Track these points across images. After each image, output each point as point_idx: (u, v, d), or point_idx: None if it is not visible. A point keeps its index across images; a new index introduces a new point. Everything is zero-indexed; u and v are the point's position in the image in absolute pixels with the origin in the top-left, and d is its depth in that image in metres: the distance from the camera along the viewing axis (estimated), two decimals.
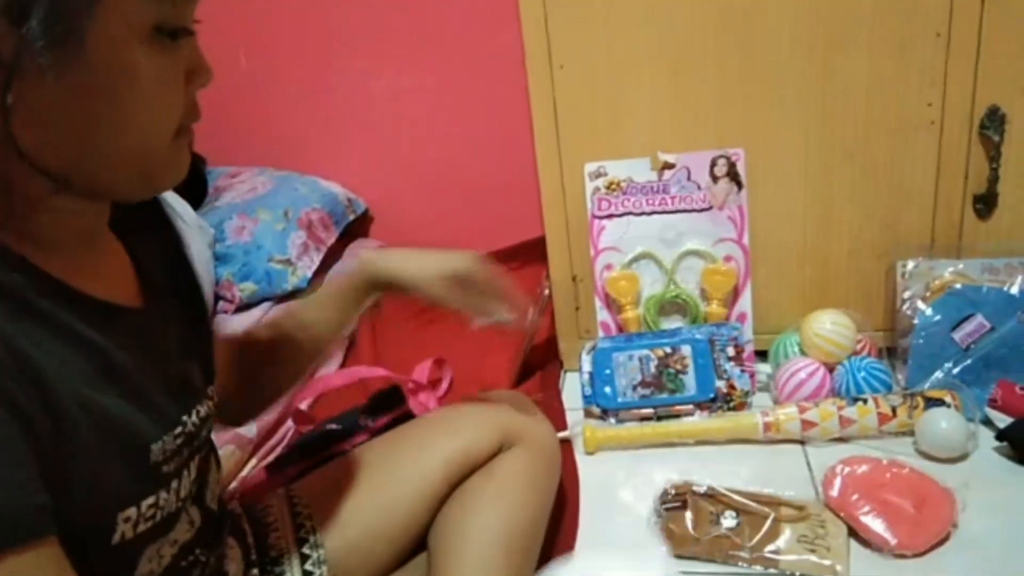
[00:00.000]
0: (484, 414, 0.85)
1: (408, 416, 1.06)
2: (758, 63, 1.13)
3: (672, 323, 1.25)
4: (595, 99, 1.18)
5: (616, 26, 1.14)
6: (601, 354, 1.19)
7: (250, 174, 1.51)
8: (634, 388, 1.18)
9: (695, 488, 0.96)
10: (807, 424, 1.06)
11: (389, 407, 1.09)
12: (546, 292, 1.35)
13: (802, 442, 1.08)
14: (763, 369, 1.24)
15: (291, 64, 1.52)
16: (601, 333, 1.26)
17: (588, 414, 1.21)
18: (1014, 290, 1.12)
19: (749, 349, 1.20)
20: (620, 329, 1.25)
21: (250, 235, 1.35)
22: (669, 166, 1.20)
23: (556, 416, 1.18)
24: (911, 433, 1.04)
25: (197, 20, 0.50)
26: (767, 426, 1.07)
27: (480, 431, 0.82)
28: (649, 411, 1.17)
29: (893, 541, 0.86)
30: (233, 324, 1.26)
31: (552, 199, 1.25)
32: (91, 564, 0.45)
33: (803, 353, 1.19)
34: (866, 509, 0.90)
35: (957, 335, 1.13)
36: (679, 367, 1.17)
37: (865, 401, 1.07)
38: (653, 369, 1.17)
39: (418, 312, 1.39)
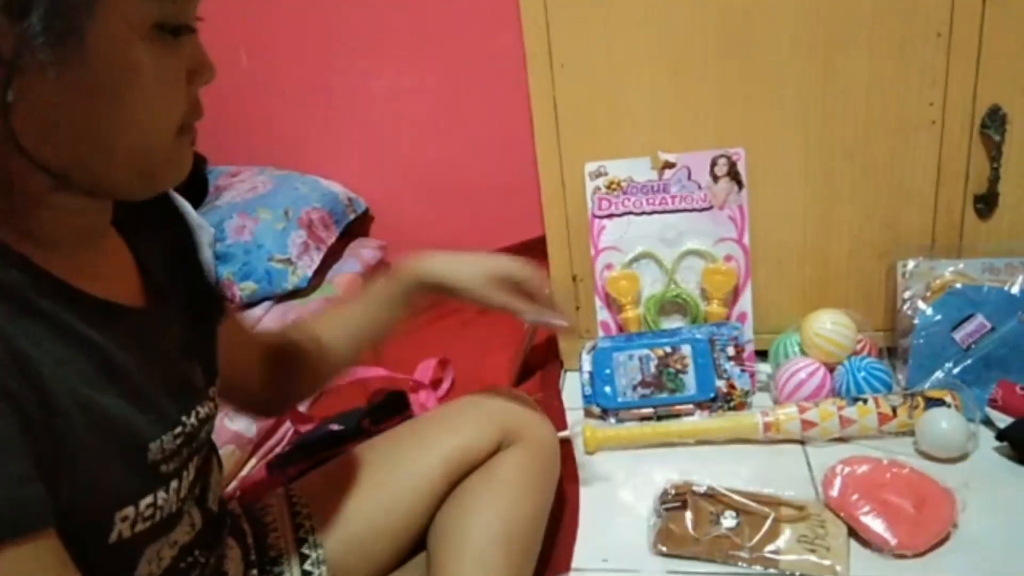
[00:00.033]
0: (483, 412, 0.85)
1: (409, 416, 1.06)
2: (759, 63, 1.13)
3: (672, 323, 1.25)
4: (596, 98, 1.18)
5: (617, 25, 1.14)
6: (601, 354, 1.19)
7: (250, 173, 1.51)
8: (634, 388, 1.18)
9: (695, 488, 0.96)
10: (807, 424, 1.06)
11: (393, 413, 1.08)
12: (547, 292, 1.35)
13: (802, 442, 1.08)
14: (763, 369, 1.24)
15: (292, 64, 1.52)
16: (601, 333, 1.26)
17: (588, 414, 1.21)
18: (1015, 290, 1.12)
19: (749, 349, 1.20)
20: (620, 329, 1.25)
21: (250, 234, 1.35)
22: (669, 166, 1.20)
23: (556, 416, 1.18)
24: (911, 433, 1.04)
25: (200, 18, 0.50)
26: (767, 426, 1.07)
27: (479, 429, 0.82)
28: (649, 411, 1.17)
29: (893, 541, 0.86)
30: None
31: (552, 198, 1.25)
32: (89, 563, 0.45)
33: (803, 353, 1.19)
34: (866, 509, 0.89)
35: (957, 335, 1.12)
36: (679, 367, 1.17)
37: (865, 401, 1.07)
38: (653, 369, 1.17)
39: (419, 312, 1.39)
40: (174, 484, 0.54)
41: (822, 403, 1.08)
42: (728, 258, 1.21)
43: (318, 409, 1.18)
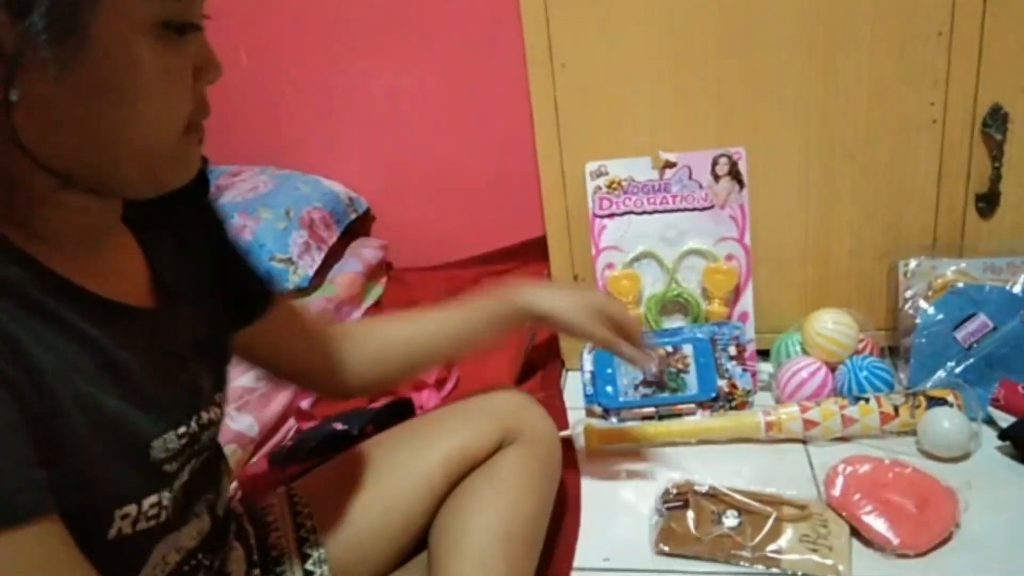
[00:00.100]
0: (485, 412, 0.85)
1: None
2: (760, 62, 1.13)
3: (674, 322, 1.25)
4: (596, 98, 1.18)
5: (618, 25, 1.14)
6: (602, 353, 1.19)
7: (252, 173, 1.51)
8: (636, 387, 1.18)
9: (697, 487, 0.96)
10: (809, 423, 1.06)
11: (399, 420, 1.08)
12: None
13: (804, 441, 1.08)
14: (765, 368, 1.24)
15: (292, 63, 1.52)
16: None
17: (590, 413, 1.21)
18: (1016, 289, 1.12)
19: (751, 348, 1.20)
20: None
21: (251, 234, 1.35)
22: (670, 165, 1.19)
23: (558, 415, 1.18)
24: (913, 432, 1.04)
25: (206, 15, 0.50)
26: (769, 425, 1.07)
27: (480, 428, 0.82)
28: (651, 410, 1.17)
29: (895, 541, 0.86)
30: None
31: (553, 198, 1.25)
32: (88, 556, 0.45)
33: (805, 352, 1.19)
34: (868, 509, 0.89)
35: (959, 334, 1.12)
36: (681, 366, 1.17)
37: (867, 400, 1.06)
38: (655, 368, 1.17)
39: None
40: (177, 484, 0.53)
41: (824, 402, 1.08)
42: (729, 257, 1.21)
43: (321, 407, 1.18)
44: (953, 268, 1.16)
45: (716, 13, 1.11)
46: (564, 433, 1.07)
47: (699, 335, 1.18)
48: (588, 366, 1.20)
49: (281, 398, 1.14)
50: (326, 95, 1.53)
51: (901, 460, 0.98)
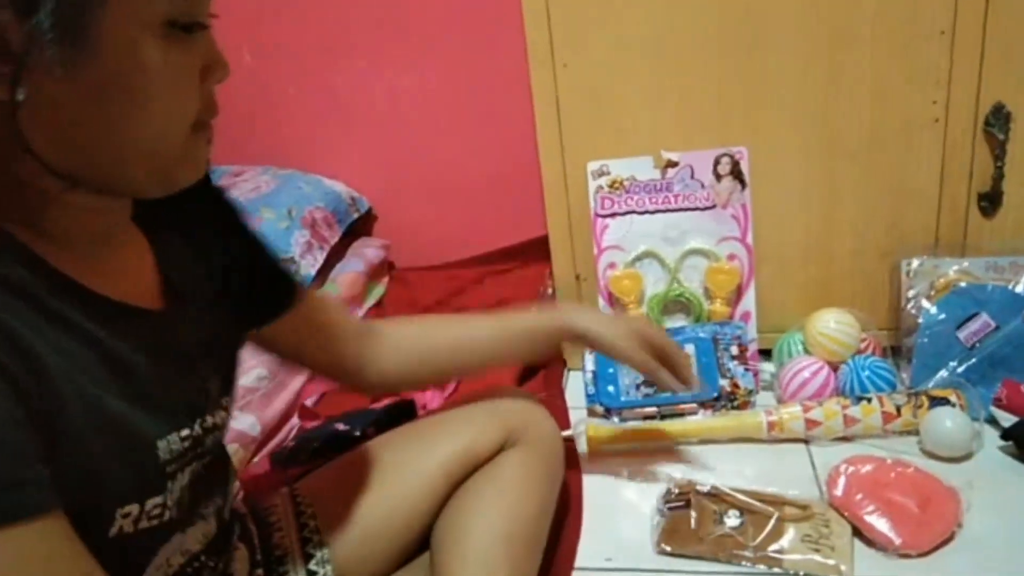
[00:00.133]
0: (487, 412, 0.85)
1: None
2: (761, 61, 1.12)
3: (675, 322, 1.25)
4: (598, 97, 1.18)
5: (619, 24, 1.14)
6: None
7: (254, 173, 1.51)
8: (637, 387, 1.18)
9: (698, 487, 0.96)
10: (811, 423, 1.06)
11: (401, 422, 1.08)
12: (549, 291, 1.35)
13: (806, 441, 1.08)
14: (767, 368, 1.23)
15: (294, 63, 1.53)
16: None
17: (591, 413, 1.21)
18: (1019, 288, 1.12)
19: (753, 348, 1.20)
20: None
21: None
22: (672, 164, 1.19)
23: (559, 415, 1.18)
24: (915, 432, 1.04)
25: (213, 14, 0.49)
26: (771, 425, 1.07)
27: (482, 429, 0.82)
28: (652, 410, 1.17)
29: (897, 541, 0.86)
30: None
31: (555, 197, 1.25)
32: (93, 553, 0.45)
33: (807, 352, 1.19)
34: (870, 508, 0.89)
35: (962, 334, 1.12)
36: None
37: (869, 400, 1.06)
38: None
39: (423, 311, 1.39)
40: (179, 485, 0.54)
41: (826, 402, 1.07)
42: (731, 257, 1.21)
43: (324, 407, 1.18)
44: (955, 267, 1.16)
45: (718, 13, 1.11)
46: (566, 433, 1.07)
47: (701, 335, 1.18)
48: (590, 366, 1.20)
49: (283, 398, 1.14)
50: (328, 95, 1.54)
51: (903, 460, 0.97)
